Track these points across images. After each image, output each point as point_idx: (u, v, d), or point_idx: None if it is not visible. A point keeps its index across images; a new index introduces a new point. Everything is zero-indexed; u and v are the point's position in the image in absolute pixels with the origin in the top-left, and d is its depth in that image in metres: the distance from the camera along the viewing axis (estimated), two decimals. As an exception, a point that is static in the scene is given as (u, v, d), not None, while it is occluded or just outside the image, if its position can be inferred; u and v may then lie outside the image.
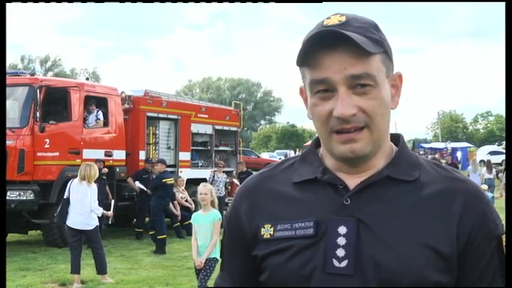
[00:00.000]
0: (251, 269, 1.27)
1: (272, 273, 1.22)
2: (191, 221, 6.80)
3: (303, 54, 1.18)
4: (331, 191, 1.22)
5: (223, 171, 14.65)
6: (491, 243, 1.18)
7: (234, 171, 16.13)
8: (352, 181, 1.22)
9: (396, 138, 1.30)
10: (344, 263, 1.14)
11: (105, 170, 11.51)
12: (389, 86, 1.22)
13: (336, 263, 1.15)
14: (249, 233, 1.27)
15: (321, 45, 1.16)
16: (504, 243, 1.20)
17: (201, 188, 6.87)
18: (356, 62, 1.15)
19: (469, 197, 1.19)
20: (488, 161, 19.51)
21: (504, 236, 1.20)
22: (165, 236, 10.88)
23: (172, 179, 11.86)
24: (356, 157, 1.19)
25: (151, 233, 11.29)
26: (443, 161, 25.25)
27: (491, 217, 1.20)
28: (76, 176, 11.21)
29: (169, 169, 13.56)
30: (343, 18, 1.19)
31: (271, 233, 1.23)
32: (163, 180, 11.36)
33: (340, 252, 1.15)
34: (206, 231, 6.60)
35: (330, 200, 1.21)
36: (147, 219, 12.34)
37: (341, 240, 1.16)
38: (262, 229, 1.24)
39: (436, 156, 29.89)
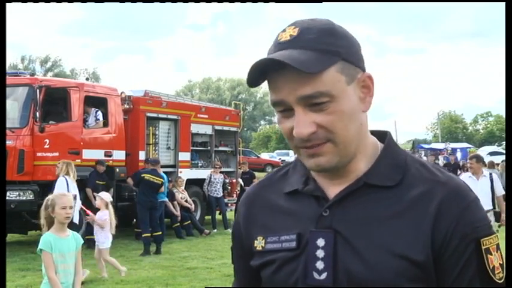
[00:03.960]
0: (253, 277, 1.31)
1: (264, 284, 1.26)
2: (42, 247, 4.53)
3: (248, 80, 1.19)
4: (313, 201, 1.22)
5: (221, 172, 14.64)
6: (468, 247, 1.14)
7: (236, 172, 16.14)
8: (333, 190, 1.21)
9: (383, 136, 1.28)
10: (323, 276, 1.16)
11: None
12: (357, 89, 1.18)
13: (316, 275, 1.16)
14: (246, 243, 1.31)
15: (271, 67, 1.15)
16: (491, 246, 1.15)
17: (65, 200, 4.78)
18: (305, 81, 1.13)
19: (445, 200, 1.15)
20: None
21: (490, 238, 1.16)
22: (149, 234, 10.82)
23: (158, 178, 11.52)
24: (323, 170, 1.19)
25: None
26: (441, 161, 25.27)
27: (470, 219, 1.15)
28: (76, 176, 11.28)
29: (169, 169, 13.60)
30: (295, 32, 1.16)
31: (263, 245, 1.25)
32: (142, 175, 11.24)
33: (320, 265, 1.16)
34: (71, 262, 4.62)
35: (311, 212, 1.21)
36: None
37: (320, 253, 1.17)
38: (255, 241, 1.27)
39: (440, 158, 29.88)
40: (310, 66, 1.11)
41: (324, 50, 1.14)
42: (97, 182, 11.33)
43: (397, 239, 1.13)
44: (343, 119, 1.15)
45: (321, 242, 1.17)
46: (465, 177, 8.54)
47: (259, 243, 1.26)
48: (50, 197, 4.83)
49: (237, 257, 1.37)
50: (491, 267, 1.15)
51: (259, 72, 1.16)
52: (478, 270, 1.14)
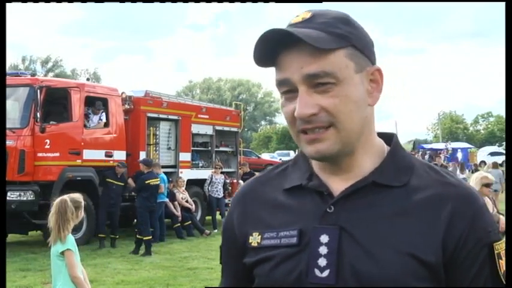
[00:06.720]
0: (245, 275, 1.26)
1: (259, 281, 1.21)
2: (70, 247, 4.57)
3: (254, 55, 1.15)
4: (317, 198, 1.19)
5: (222, 172, 14.64)
6: (482, 252, 1.13)
7: (236, 172, 16.13)
8: (338, 186, 1.18)
9: (389, 138, 1.26)
10: (326, 273, 1.12)
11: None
12: (365, 80, 1.16)
13: (317, 272, 1.13)
14: (239, 239, 1.26)
15: (279, 45, 1.13)
16: (502, 250, 1.15)
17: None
18: (312, 60, 1.11)
19: (459, 203, 1.14)
20: (462, 163, 20.48)
21: (500, 242, 1.15)
22: (150, 237, 10.79)
23: (157, 179, 11.48)
24: (323, 157, 1.16)
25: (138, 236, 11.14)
26: (441, 161, 25.29)
27: (483, 223, 1.14)
28: (76, 177, 11.31)
29: (169, 170, 13.59)
30: (308, 15, 1.16)
31: (259, 241, 1.21)
32: (146, 182, 11.16)
33: (322, 262, 1.13)
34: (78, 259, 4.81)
35: (314, 208, 1.18)
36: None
37: (323, 250, 1.13)
38: (251, 237, 1.23)
39: (442, 157, 29.83)
40: (319, 42, 1.10)
41: (334, 33, 1.13)
42: (108, 179, 11.36)
43: (405, 238, 1.11)
44: (348, 105, 1.13)
45: (324, 238, 1.14)
46: None
47: (254, 239, 1.21)
48: (74, 198, 4.74)
49: (227, 256, 1.33)
50: (502, 272, 1.15)
51: (267, 49, 1.14)
52: (491, 275, 1.14)
